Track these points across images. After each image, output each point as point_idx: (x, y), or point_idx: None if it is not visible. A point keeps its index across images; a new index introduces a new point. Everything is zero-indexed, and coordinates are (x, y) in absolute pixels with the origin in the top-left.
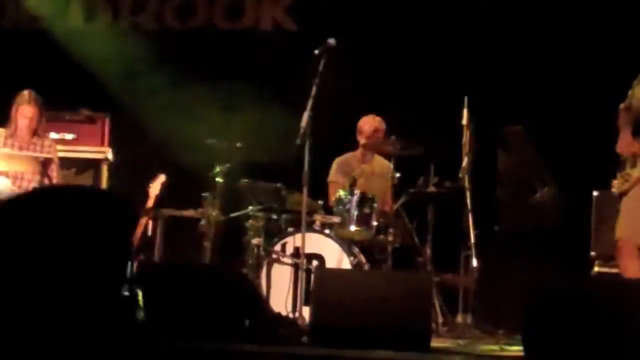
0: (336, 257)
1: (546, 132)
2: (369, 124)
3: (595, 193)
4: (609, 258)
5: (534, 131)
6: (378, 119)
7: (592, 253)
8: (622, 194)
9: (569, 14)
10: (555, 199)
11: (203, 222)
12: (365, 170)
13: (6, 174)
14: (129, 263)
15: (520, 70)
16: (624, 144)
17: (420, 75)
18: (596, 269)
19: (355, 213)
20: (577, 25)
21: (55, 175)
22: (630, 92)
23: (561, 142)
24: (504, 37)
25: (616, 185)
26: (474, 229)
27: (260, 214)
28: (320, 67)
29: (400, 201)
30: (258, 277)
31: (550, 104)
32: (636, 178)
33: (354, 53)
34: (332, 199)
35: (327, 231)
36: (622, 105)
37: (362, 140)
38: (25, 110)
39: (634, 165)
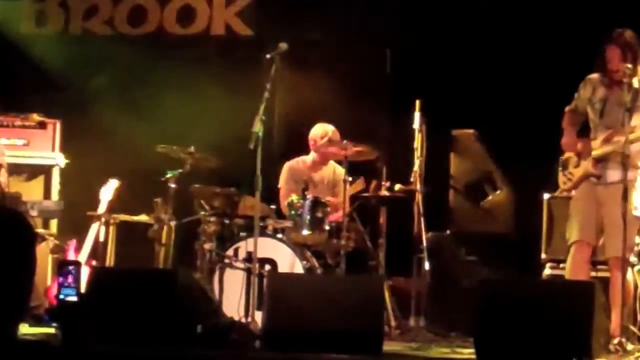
0: (289, 262)
1: (498, 135)
2: (320, 131)
3: (546, 196)
4: (560, 260)
5: (485, 135)
6: (330, 126)
7: (544, 256)
8: (568, 194)
9: (518, 18)
10: (507, 202)
11: (155, 227)
12: (316, 175)
13: None
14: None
15: (472, 74)
16: (568, 143)
17: (373, 78)
18: (547, 271)
19: (308, 217)
20: (527, 29)
21: (4, 181)
22: (576, 95)
23: (513, 146)
24: (456, 41)
25: (560, 184)
26: (426, 233)
27: (212, 219)
28: (272, 72)
29: (354, 205)
30: (211, 282)
31: (502, 107)
32: (579, 177)
33: (307, 57)
34: (284, 203)
35: (279, 236)
36: (567, 108)
37: (313, 145)
38: None
39: (577, 165)
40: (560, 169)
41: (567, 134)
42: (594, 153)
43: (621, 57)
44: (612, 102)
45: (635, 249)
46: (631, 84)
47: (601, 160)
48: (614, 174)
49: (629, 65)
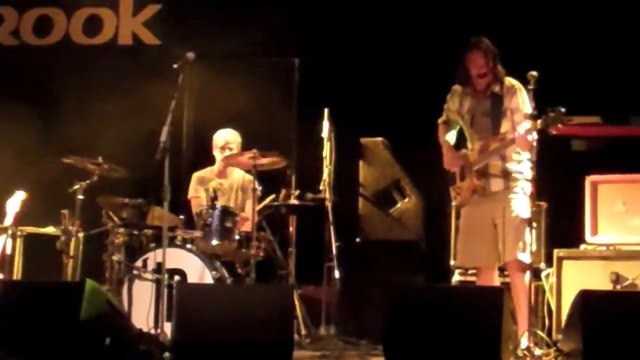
0: (198, 272)
1: (406, 143)
2: (223, 137)
3: (454, 203)
4: (468, 267)
5: (394, 143)
6: (232, 132)
7: (452, 262)
8: (459, 208)
9: (423, 27)
10: (415, 209)
11: (63, 239)
12: (224, 184)
13: None
14: None
15: (379, 82)
16: (450, 159)
17: (281, 88)
18: (456, 277)
19: (217, 227)
20: (434, 37)
21: None
22: (445, 106)
23: (421, 154)
24: (363, 50)
25: (452, 199)
26: (336, 241)
27: (121, 230)
28: (180, 81)
29: (263, 214)
30: (119, 293)
31: (410, 115)
32: (467, 189)
33: (215, 66)
34: (194, 213)
35: (188, 246)
36: (439, 120)
37: (218, 154)
38: None
39: (462, 178)
40: (450, 184)
41: (446, 151)
42: (474, 167)
43: (484, 61)
44: (479, 111)
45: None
46: (495, 91)
47: (483, 172)
48: (497, 183)
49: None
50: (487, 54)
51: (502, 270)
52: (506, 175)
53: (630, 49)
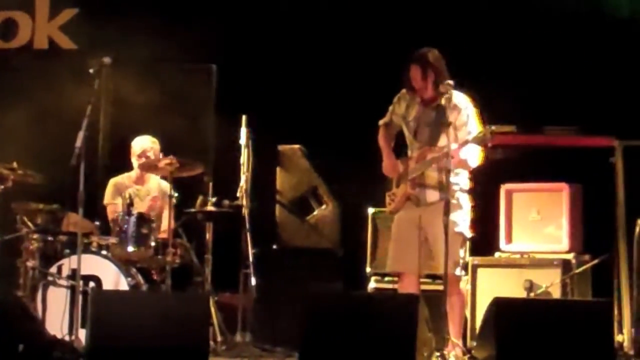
0: (113, 279)
1: (323, 150)
2: (140, 144)
3: (370, 210)
4: (385, 274)
5: (311, 150)
6: (150, 138)
7: (368, 269)
8: (392, 214)
9: (345, 35)
10: (332, 216)
11: None
12: (140, 190)
13: None
14: None
15: (297, 89)
16: (389, 166)
17: (199, 94)
18: (372, 284)
19: (133, 233)
20: (353, 45)
21: None
22: (390, 108)
23: (338, 161)
24: (281, 57)
25: (386, 205)
26: (253, 248)
27: (35, 236)
28: (96, 86)
29: (180, 221)
30: (34, 300)
31: (327, 123)
32: (400, 196)
33: (132, 71)
34: (110, 219)
35: (104, 252)
36: (381, 121)
37: (135, 160)
38: None
39: (398, 185)
40: (386, 189)
41: (386, 156)
42: (410, 176)
43: (422, 75)
44: (423, 121)
45: (461, 262)
46: (440, 104)
47: (418, 182)
48: (432, 194)
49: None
50: (426, 67)
51: (434, 277)
52: (442, 186)
53: (546, 60)
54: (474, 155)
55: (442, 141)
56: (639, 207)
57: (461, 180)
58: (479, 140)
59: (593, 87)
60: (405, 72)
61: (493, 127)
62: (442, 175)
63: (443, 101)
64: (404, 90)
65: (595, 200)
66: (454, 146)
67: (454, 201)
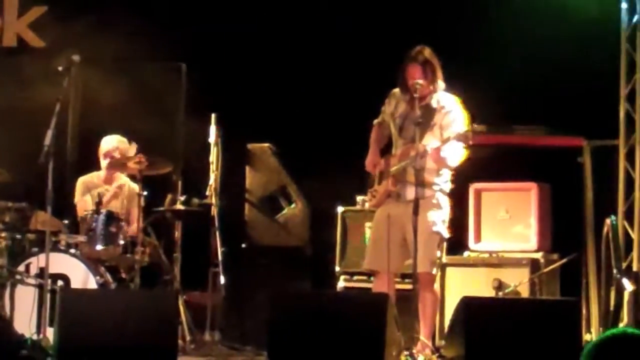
0: (82, 277)
1: (293, 149)
2: (109, 144)
3: (340, 209)
4: (354, 273)
5: (280, 149)
6: (118, 138)
7: (337, 268)
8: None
9: (314, 32)
10: (301, 215)
11: None
12: (109, 189)
13: None
14: None
15: (267, 88)
16: (371, 162)
17: (168, 92)
18: (341, 283)
19: (102, 232)
20: (324, 42)
21: None
22: (383, 108)
23: (307, 160)
24: (251, 55)
25: (367, 201)
26: (222, 247)
27: (3, 234)
28: (65, 84)
29: (148, 219)
30: (1, 298)
31: (297, 121)
32: (382, 193)
33: (101, 69)
34: (79, 218)
35: (72, 251)
36: (375, 121)
37: (103, 159)
38: None
39: (379, 182)
40: (369, 186)
41: (371, 152)
42: (392, 170)
43: (422, 74)
44: (410, 118)
45: (437, 261)
46: (429, 103)
47: (400, 179)
48: (412, 192)
49: (420, 81)
50: (425, 66)
51: (405, 276)
52: (422, 185)
53: (515, 59)
54: (456, 154)
55: (427, 140)
56: (607, 206)
57: (441, 180)
58: (461, 137)
59: (562, 87)
60: (401, 70)
61: (474, 125)
62: (424, 174)
63: (432, 101)
64: (394, 89)
65: (563, 200)
66: (436, 144)
67: (434, 201)
